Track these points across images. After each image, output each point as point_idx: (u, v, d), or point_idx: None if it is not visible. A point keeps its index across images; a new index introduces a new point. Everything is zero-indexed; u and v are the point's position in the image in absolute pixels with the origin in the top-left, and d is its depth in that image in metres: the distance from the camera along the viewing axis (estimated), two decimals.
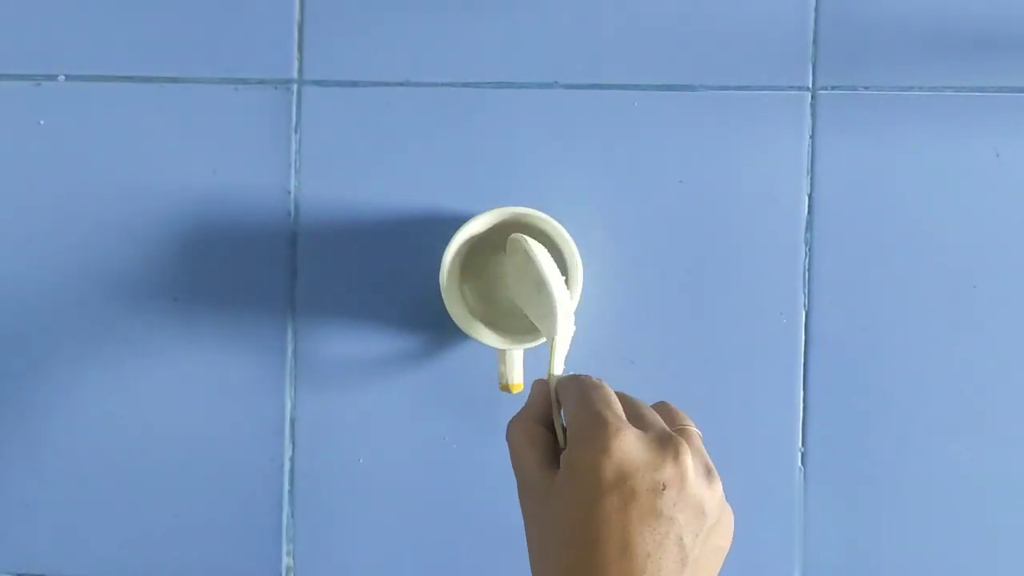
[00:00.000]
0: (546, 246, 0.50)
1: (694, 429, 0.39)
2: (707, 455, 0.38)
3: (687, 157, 0.53)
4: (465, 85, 0.54)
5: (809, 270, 0.53)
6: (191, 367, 0.54)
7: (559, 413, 0.40)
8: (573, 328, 0.44)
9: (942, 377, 0.53)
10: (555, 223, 0.49)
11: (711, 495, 0.36)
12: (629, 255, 0.53)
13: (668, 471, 0.35)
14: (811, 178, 0.53)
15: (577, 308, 0.50)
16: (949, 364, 0.53)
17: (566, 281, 0.48)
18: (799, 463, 0.53)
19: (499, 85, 0.54)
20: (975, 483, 0.53)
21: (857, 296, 0.53)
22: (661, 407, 0.41)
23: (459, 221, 0.50)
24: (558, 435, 0.40)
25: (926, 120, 0.53)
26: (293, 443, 0.54)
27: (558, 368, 0.42)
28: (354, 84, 0.54)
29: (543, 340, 0.50)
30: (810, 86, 0.53)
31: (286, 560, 0.55)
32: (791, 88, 0.53)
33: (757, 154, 0.53)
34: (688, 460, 0.36)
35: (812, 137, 0.53)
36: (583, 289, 0.50)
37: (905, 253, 0.53)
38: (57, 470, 0.55)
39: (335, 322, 0.54)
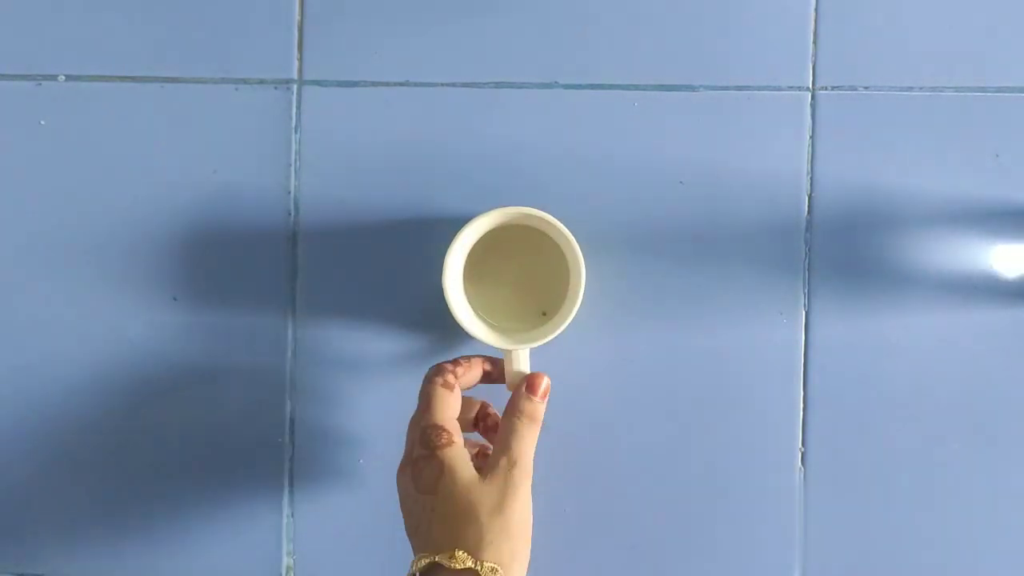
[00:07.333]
0: (546, 246, 0.50)
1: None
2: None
3: (687, 157, 0.53)
4: (465, 85, 0.54)
5: (809, 270, 0.53)
6: (191, 367, 0.54)
7: None
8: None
9: (942, 377, 0.53)
10: (555, 223, 0.49)
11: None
12: (629, 255, 0.53)
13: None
14: (811, 178, 0.53)
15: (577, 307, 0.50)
16: (949, 364, 0.53)
17: (566, 280, 0.48)
18: (799, 463, 0.53)
19: (499, 85, 0.54)
20: (975, 483, 0.53)
21: (857, 296, 0.53)
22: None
23: (459, 221, 0.50)
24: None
25: (926, 120, 0.53)
26: (293, 444, 0.54)
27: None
28: (354, 84, 0.54)
29: (545, 340, 0.50)
30: (810, 86, 0.53)
31: (286, 560, 0.55)
32: (791, 88, 0.53)
33: (757, 154, 0.53)
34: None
35: (812, 137, 0.53)
36: (583, 288, 0.50)
37: (905, 253, 0.53)
38: (57, 470, 0.55)
39: (335, 322, 0.54)
